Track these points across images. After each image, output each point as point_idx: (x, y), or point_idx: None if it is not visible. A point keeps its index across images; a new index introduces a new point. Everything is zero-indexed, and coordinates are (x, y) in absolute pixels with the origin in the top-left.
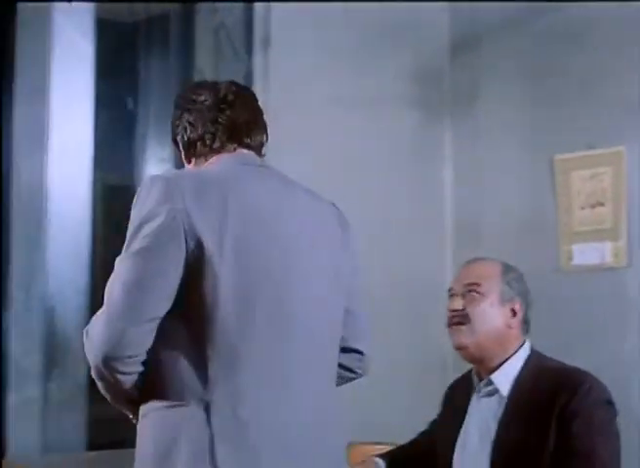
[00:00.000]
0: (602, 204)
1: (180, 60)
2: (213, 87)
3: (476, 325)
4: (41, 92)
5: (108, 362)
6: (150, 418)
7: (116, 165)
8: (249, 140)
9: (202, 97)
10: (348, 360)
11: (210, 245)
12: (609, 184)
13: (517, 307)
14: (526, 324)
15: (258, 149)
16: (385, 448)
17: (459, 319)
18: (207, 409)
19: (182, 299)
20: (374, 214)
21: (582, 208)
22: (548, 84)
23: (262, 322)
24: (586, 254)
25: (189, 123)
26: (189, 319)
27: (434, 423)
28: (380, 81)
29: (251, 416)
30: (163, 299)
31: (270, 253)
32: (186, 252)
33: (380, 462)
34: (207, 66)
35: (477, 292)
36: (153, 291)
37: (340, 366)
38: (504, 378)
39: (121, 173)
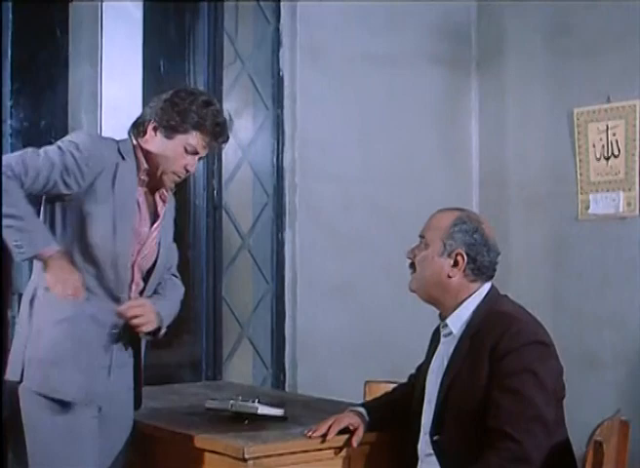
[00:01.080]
0: (616, 155)
1: (211, 25)
2: None
3: (419, 273)
4: (94, 53)
5: None
6: None
7: None
8: None
9: None
10: None
11: None
12: (622, 136)
13: (460, 258)
14: (477, 272)
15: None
16: None
17: (410, 266)
18: None
19: None
20: (403, 168)
21: (598, 159)
22: (569, 40)
23: None
24: (601, 204)
25: None
26: None
27: (419, 368)
28: (407, 38)
29: None
30: None
31: None
32: None
33: (363, 411)
34: (235, 30)
35: (423, 243)
36: None
37: None
38: (457, 321)
39: None
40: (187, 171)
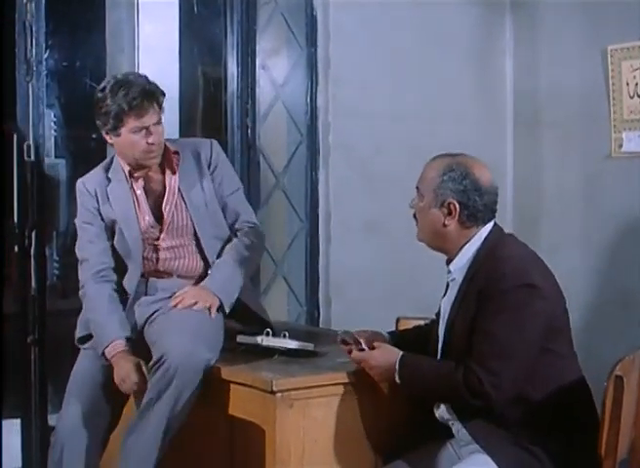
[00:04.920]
0: None
1: None
2: None
3: (420, 224)
4: None
5: None
6: None
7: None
8: None
9: None
10: None
11: None
12: None
13: (452, 207)
14: (472, 217)
15: None
16: None
17: (414, 216)
18: None
19: None
20: (436, 107)
21: (631, 97)
22: None
23: None
24: (634, 142)
25: None
26: None
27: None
28: None
29: None
30: None
31: None
32: None
33: (386, 334)
34: None
35: (419, 195)
36: None
37: None
38: (458, 267)
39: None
40: (152, 143)
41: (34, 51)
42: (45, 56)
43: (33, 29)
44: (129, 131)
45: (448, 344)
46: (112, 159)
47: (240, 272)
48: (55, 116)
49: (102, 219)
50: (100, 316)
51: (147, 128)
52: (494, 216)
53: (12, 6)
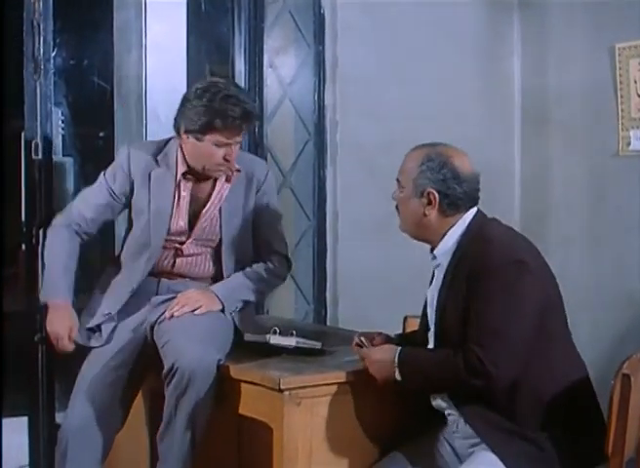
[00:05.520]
0: None
1: None
2: None
3: (401, 215)
4: None
5: None
6: None
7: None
8: None
9: None
10: None
11: None
12: None
13: (432, 196)
14: (453, 206)
15: None
16: None
17: (396, 208)
18: None
19: None
20: (444, 105)
21: (639, 95)
22: None
23: None
24: None
25: None
26: None
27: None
28: None
29: None
30: None
31: None
32: None
33: (393, 337)
34: None
35: (399, 186)
36: None
37: None
38: (442, 251)
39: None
40: (227, 160)
41: (42, 49)
42: (53, 54)
43: (41, 27)
44: (212, 142)
45: (441, 329)
46: (167, 142)
47: (251, 287)
48: (62, 114)
49: (124, 203)
50: (56, 270)
51: (230, 146)
52: (476, 203)
53: (19, 4)
